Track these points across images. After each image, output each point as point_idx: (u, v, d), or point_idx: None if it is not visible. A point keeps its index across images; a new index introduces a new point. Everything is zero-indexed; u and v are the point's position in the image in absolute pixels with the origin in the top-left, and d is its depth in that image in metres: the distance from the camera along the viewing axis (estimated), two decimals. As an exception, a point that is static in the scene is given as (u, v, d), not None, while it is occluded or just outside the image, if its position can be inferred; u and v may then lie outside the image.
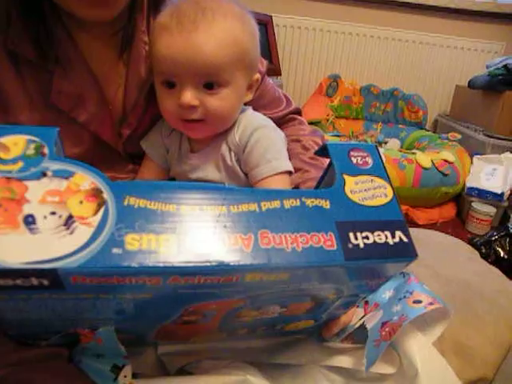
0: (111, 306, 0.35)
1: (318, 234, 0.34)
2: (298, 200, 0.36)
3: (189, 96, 0.54)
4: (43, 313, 0.35)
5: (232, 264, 0.31)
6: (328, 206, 0.36)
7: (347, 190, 0.38)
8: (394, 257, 0.36)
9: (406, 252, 0.36)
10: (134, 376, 0.45)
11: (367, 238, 0.36)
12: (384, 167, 0.42)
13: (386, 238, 0.36)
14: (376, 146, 0.43)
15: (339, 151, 0.41)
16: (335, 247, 0.34)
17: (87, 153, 0.62)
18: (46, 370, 0.41)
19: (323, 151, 0.42)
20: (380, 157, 0.42)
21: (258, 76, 0.63)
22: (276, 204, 0.35)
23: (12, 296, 0.31)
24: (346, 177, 0.39)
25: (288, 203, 0.36)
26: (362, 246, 0.35)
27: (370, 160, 0.41)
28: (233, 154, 0.61)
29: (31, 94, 0.57)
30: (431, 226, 1.72)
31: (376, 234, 0.36)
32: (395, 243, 0.36)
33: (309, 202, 0.36)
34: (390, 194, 0.39)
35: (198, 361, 0.51)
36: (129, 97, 0.64)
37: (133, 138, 0.66)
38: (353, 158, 0.41)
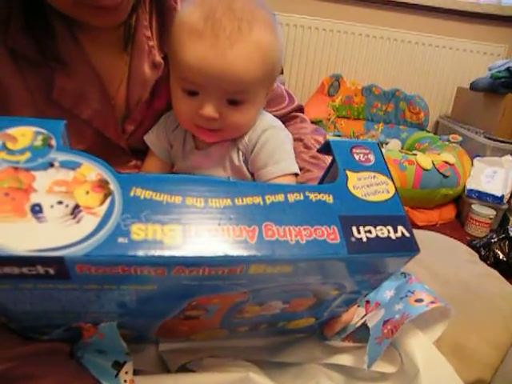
0: (114, 298, 0.35)
1: (322, 228, 0.35)
2: (301, 194, 0.37)
3: (211, 109, 0.53)
4: (47, 305, 0.35)
5: (236, 255, 0.31)
6: (331, 201, 0.37)
7: (350, 185, 0.39)
8: (396, 251, 0.36)
9: (408, 246, 0.37)
10: (135, 373, 0.45)
11: (370, 232, 0.36)
12: (386, 164, 0.42)
13: (389, 232, 0.37)
14: (378, 144, 0.44)
15: (342, 148, 0.42)
16: (338, 240, 0.35)
17: (90, 149, 0.62)
18: (47, 365, 0.41)
19: (326, 148, 0.43)
20: (382, 154, 0.43)
21: (275, 85, 0.63)
22: (280, 198, 0.36)
23: (18, 286, 0.31)
24: (348, 173, 0.40)
25: (292, 197, 0.36)
26: (364, 239, 0.35)
27: (372, 157, 0.42)
28: (241, 154, 0.61)
29: (33, 90, 0.57)
30: (431, 227, 1.73)
31: (378, 228, 0.37)
32: (397, 238, 0.37)
33: (312, 196, 0.37)
34: (392, 190, 0.40)
35: (199, 358, 0.51)
36: (132, 92, 0.63)
37: (136, 134, 0.66)
38: (355, 155, 0.42)
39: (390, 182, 0.41)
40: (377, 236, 0.36)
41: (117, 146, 0.65)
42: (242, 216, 0.34)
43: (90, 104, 0.60)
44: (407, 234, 0.37)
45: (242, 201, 0.35)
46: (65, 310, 0.37)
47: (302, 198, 0.36)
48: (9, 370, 0.39)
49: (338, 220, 0.36)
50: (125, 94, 0.64)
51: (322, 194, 0.37)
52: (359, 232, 0.36)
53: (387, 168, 0.42)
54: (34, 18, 0.54)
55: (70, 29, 0.57)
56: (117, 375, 0.43)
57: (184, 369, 0.50)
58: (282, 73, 2.45)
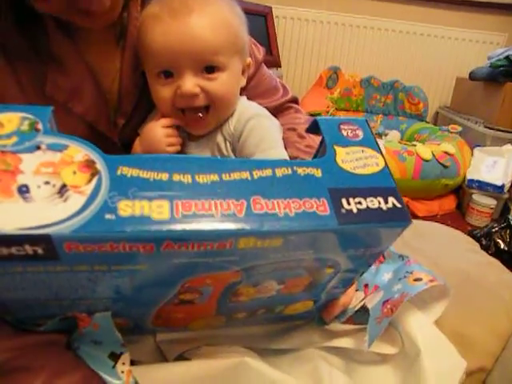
0: (107, 282, 0.35)
1: (311, 200, 0.35)
2: (289, 169, 0.37)
3: (190, 83, 0.54)
4: (39, 291, 0.35)
5: (225, 229, 0.32)
6: (320, 175, 0.37)
7: (338, 159, 0.39)
8: (387, 221, 0.36)
9: (399, 216, 0.37)
10: (133, 363, 0.46)
11: (360, 203, 0.36)
12: (375, 139, 0.42)
13: (379, 203, 0.37)
14: (366, 120, 0.44)
15: (330, 125, 0.42)
16: (328, 212, 0.35)
17: None
18: (43, 356, 0.42)
19: (314, 127, 0.43)
20: (370, 130, 0.43)
21: (249, 60, 0.63)
22: (268, 172, 0.36)
23: (7, 269, 0.31)
24: (336, 148, 0.40)
25: (280, 172, 0.36)
26: (355, 211, 0.35)
27: (360, 133, 0.42)
28: (228, 144, 0.61)
29: (24, 85, 0.56)
30: (431, 218, 1.72)
31: (369, 199, 0.37)
32: (388, 208, 0.37)
33: (300, 170, 0.37)
34: (382, 163, 0.40)
35: (196, 347, 0.51)
36: (123, 85, 0.63)
37: (128, 127, 0.66)
38: (343, 131, 0.42)
39: (380, 156, 0.41)
40: (367, 207, 0.36)
41: (108, 139, 0.65)
42: (230, 190, 0.34)
43: (83, 98, 0.60)
44: (398, 205, 0.37)
45: (230, 176, 0.35)
46: (58, 296, 0.37)
47: (290, 172, 0.36)
48: (6, 361, 0.40)
49: (328, 192, 0.36)
50: (117, 87, 0.63)
51: (310, 168, 0.37)
52: (349, 203, 0.36)
53: (376, 143, 0.42)
54: (25, 15, 0.53)
55: (62, 26, 0.57)
56: (114, 366, 0.43)
57: (181, 358, 0.50)
58: (279, 66, 2.45)
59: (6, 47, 0.54)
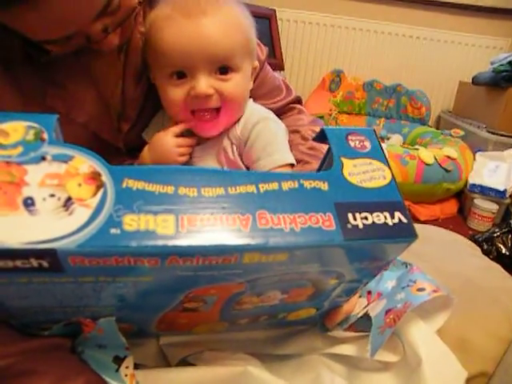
0: (111, 291, 0.35)
1: (317, 215, 0.34)
2: (295, 182, 0.36)
3: (204, 85, 0.53)
4: (44, 299, 0.35)
5: (230, 244, 0.31)
6: (326, 188, 0.37)
7: (345, 172, 0.38)
8: (393, 237, 0.36)
9: (405, 232, 0.36)
10: (136, 367, 0.46)
11: (366, 218, 0.36)
12: (382, 150, 0.42)
13: (385, 218, 0.36)
14: (374, 130, 0.43)
15: (337, 135, 0.42)
16: (334, 227, 0.34)
17: None
18: (48, 360, 0.42)
19: (321, 136, 0.42)
20: (378, 140, 0.42)
21: (256, 63, 0.63)
22: (274, 186, 0.35)
23: (13, 280, 0.31)
24: (343, 160, 0.39)
25: (286, 185, 0.36)
26: (360, 226, 0.35)
27: (368, 144, 0.41)
28: (234, 148, 0.61)
29: (26, 94, 0.56)
30: (433, 222, 1.72)
31: (375, 214, 0.36)
32: (394, 224, 0.36)
33: (307, 183, 0.36)
34: (389, 176, 0.39)
35: (199, 352, 0.51)
36: (127, 90, 0.62)
37: (132, 133, 0.65)
38: (351, 142, 0.41)
39: (387, 169, 0.40)
40: (373, 222, 0.36)
41: (113, 146, 0.65)
42: (236, 205, 0.33)
43: (85, 108, 0.59)
44: (404, 220, 0.37)
45: (236, 189, 0.34)
46: (62, 304, 0.37)
47: (296, 185, 0.36)
48: (11, 365, 0.39)
49: (334, 207, 0.35)
50: (120, 93, 0.63)
51: (316, 182, 0.37)
52: (355, 219, 0.35)
53: (384, 154, 0.41)
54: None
55: None
56: (117, 370, 0.43)
57: (184, 362, 0.50)
58: (282, 69, 2.45)
59: (6, 58, 0.54)
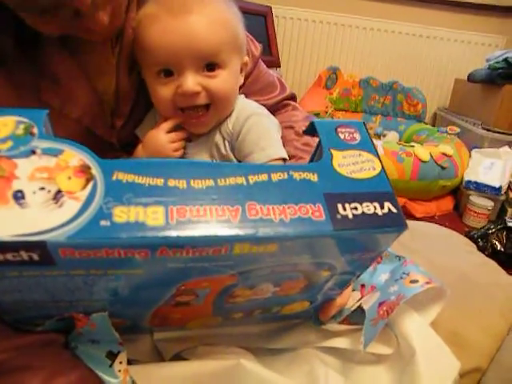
0: (103, 285, 0.35)
1: (306, 206, 0.35)
2: (285, 173, 0.36)
3: (191, 82, 0.54)
4: (36, 294, 0.35)
5: (219, 235, 0.32)
6: (316, 179, 0.37)
7: (335, 163, 0.39)
8: (383, 227, 0.36)
9: (395, 222, 0.37)
10: (129, 362, 0.46)
11: (356, 208, 0.36)
12: (372, 142, 0.42)
13: (375, 208, 0.36)
14: (364, 123, 0.44)
15: (327, 127, 0.42)
16: (323, 218, 0.34)
17: None
18: (42, 355, 0.42)
19: (311, 129, 0.43)
20: (368, 133, 0.43)
21: (246, 59, 0.63)
22: (263, 177, 0.36)
23: (4, 274, 0.31)
24: (333, 151, 0.40)
25: (275, 176, 0.36)
26: (350, 216, 0.35)
27: (357, 136, 0.42)
28: (227, 143, 0.61)
29: (20, 89, 0.55)
30: (429, 218, 1.72)
31: (365, 205, 0.36)
32: (384, 214, 0.36)
33: (296, 175, 0.37)
34: (379, 167, 0.40)
35: (193, 347, 0.51)
36: (120, 86, 0.62)
37: (126, 128, 0.65)
38: (340, 134, 0.41)
39: (377, 160, 0.40)
40: (363, 212, 0.36)
41: (107, 142, 0.64)
42: (225, 196, 0.34)
43: (78, 103, 0.59)
44: (394, 210, 0.37)
45: (225, 181, 0.35)
46: (54, 298, 0.37)
47: (286, 177, 0.36)
48: (4, 361, 0.40)
49: (323, 198, 0.36)
50: (114, 88, 0.63)
51: (306, 173, 0.37)
52: (345, 209, 0.36)
53: (373, 146, 0.42)
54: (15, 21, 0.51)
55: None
56: (111, 365, 0.44)
57: (178, 357, 0.50)
58: (279, 66, 2.45)
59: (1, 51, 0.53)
